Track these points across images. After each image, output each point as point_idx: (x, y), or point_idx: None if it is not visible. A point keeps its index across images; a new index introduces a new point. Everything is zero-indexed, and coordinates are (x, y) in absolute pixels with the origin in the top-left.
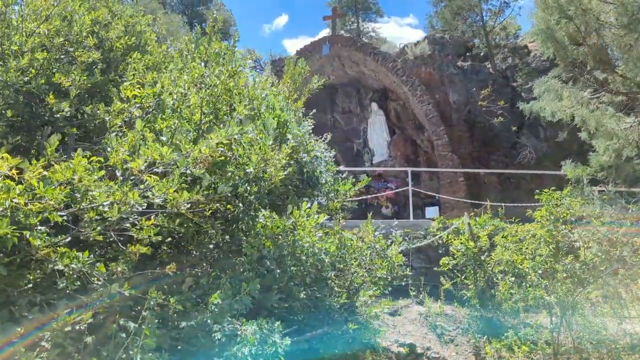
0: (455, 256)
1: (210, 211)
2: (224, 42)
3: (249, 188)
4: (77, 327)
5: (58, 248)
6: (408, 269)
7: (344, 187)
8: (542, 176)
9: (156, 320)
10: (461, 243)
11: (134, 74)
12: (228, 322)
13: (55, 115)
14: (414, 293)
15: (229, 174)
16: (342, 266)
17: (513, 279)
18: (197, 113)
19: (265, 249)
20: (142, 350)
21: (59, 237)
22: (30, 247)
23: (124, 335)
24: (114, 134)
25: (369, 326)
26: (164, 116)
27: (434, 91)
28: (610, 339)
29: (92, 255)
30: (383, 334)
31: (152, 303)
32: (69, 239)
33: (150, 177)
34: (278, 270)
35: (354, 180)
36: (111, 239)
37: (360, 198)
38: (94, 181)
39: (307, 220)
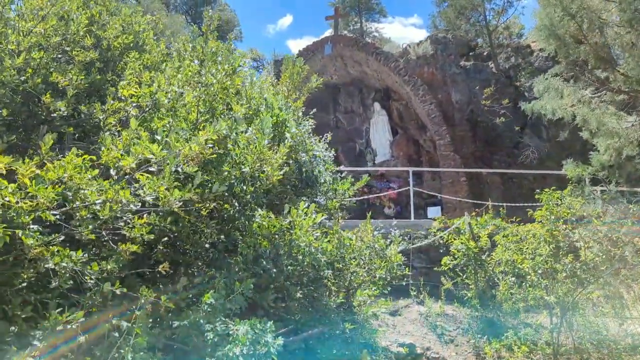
0: (455, 256)
1: (207, 211)
2: (223, 42)
3: (245, 187)
4: (69, 327)
5: (51, 247)
6: (407, 268)
7: (342, 186)
8: (545, 176)
9: (150, 320)
10: (462, 243)
11: (131, 73)
12: (220, 322)
13: (52, 115)
14: (415, 293)
15: (225, 173)
16: (341, 266)
17: (513, 279)
18: (193, 112)
19: (262, 248)
20: (134, 349)
21: (53, 236)
22: (23, 245)
23: (116, 334)
24: (108, 132)
25: (366, 326)
26: (160, 115)
27: (437, 91)
28: (611, 340)
29: (86, 255)
30: (383, 333)
31: (142, 302)
32: (62, 237)
33: (142, 175)
34: (274, 270)
35: (352, 180)
36: (106, 238)
37: (362, 198)
38: (87, 180)
39: (305, 219)
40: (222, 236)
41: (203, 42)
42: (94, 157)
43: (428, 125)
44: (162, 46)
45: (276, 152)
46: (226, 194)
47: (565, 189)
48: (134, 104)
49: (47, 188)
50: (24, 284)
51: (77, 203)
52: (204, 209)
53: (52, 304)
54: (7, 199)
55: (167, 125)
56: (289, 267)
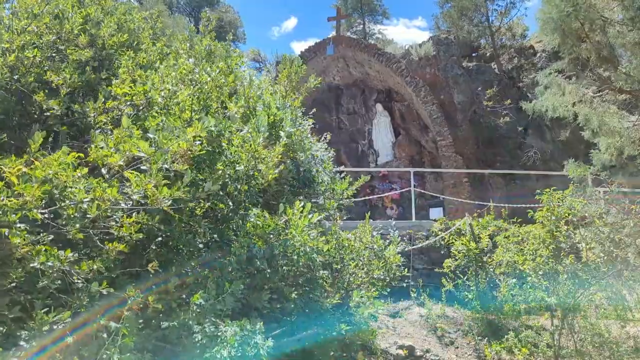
0: (456, 257)
1: (202, 210)
2: (222, 42)
3: (239, 186)
4: (55, 327)
5: (39, 246)
6: (406, 269)
7: (340, 186)
8: (549, 177)
9: (140, 321)
10: (462, 244)
11: (125, 72)
12: (210, 323)
13: (45, 114)
14: (415, 294)
15: (220, 172)
16: (339, 267)
17: (514, 280)
18: (187, 110)
19: (256, 248)
20: (121, 350)
21: (41, 235)
22: (10, 244)
23: (105, 335)
24: (99, 130)
25: (362, 327)
26: (153, 113)
27: (439, 92)
28: (613, 342)
29: (76, 254)
30: (382, 335)
31: (129, 302)
32: (52, 237)
33: (132, 173)
34: (269, 270)
35: (351, 179)
36: (96, 238)
37: (364, 199)
38: (74, 178)
39: (300, 219)
40: (216, 236)
41: (200, 41)
42: (82, 155)
43: (430, 126)
44: (159, 45)
45: (271, 151)
46: (221, 193)
47: (567, 190)
48: (128, 103)
49: (33, 186)
50: (13, 284)
51: (68, 202)
52: (198, 209)
53: (38, 304)
54: None
55: (161, 123)
56: (284, 267)
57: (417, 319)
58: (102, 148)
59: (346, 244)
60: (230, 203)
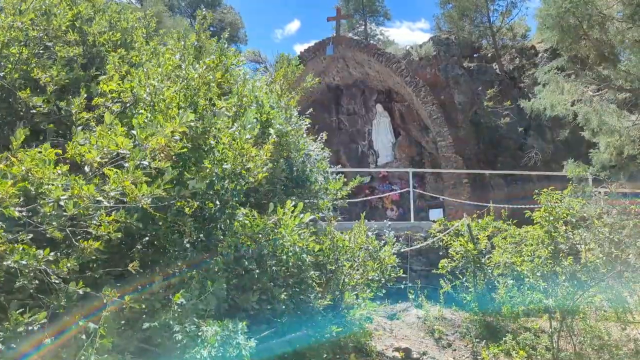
0: (454, 258)
1: (190, 210)
2: (218, 41)
3: (226, 185)
4: (30, 328)
5: (16, 245)
6: (401, 270)
7: (333, 185)
8: (550, 177)
9: (122, 322)
10: (461, 245)
11: (112, 68)
12: (191, 323)
13: (31, 111)
14: (413, 296)
15: (207, 170)
16: (333, 267)
17: (512, 281)
18: (173, 107)
19: (244, 248)
20: (97, 351)
21: (20, 233)
22: None
23: (84, 336)
24: (81, 128)
25: (354, 329)
26: (138, 110)
27: (439, 92)
28: (613, 345)
29: (56, 253)
30: (379, 337)
31: (106, 302)
32: (31, 235)
33: (111, 170)
34: (257, 271)
35: (345, 180)
36: (79, 237)
37: (364, 199)
38: (54, 175)
39: (291, 218)
40: (202, 235)
41: (185, 35)
42: (60, 151)
43: (430, 126)
44: (152, 43)
45: (260, 149)
46: (210, 192)
47: (566, 189)
48: (116, 100)
49: (7, 182)
50: None
51: (47, 199)
52: (187, 208)
53: (13, 304)
54: None
55: (146, 120)
56: (273, 267)
57: (415, 321)
58: (82, 145)
59: (341, 245)
60: (218, 202)
